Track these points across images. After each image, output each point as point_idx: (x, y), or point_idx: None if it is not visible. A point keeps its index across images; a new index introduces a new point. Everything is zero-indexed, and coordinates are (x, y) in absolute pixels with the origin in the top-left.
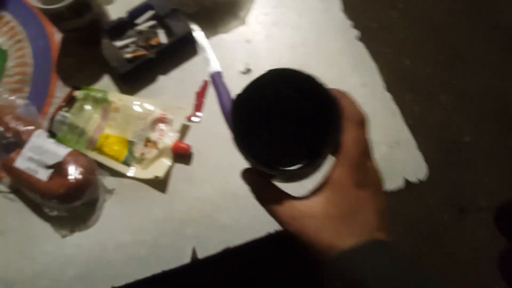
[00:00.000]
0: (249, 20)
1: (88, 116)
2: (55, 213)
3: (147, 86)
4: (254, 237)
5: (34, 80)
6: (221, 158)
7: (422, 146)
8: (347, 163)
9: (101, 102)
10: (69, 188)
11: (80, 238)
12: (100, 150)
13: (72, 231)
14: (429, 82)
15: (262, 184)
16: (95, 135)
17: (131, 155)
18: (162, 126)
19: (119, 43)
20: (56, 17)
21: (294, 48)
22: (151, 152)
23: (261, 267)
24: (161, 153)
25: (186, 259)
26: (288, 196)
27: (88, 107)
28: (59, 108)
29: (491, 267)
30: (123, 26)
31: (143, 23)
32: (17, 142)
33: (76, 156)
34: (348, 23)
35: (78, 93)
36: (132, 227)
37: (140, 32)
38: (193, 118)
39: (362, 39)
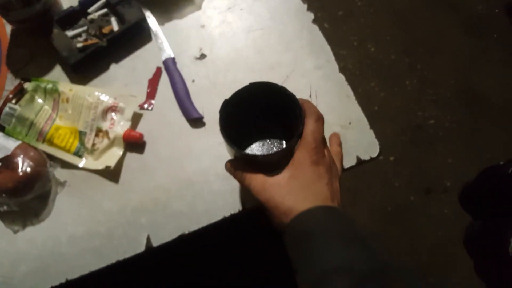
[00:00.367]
0: (204, 5)
1: (39, 107)
2: (4, 208)
3: (99, 75)
4: (210, 222)
5: None
6: (175, 145)
7: (388, 129)
8: (306, 147)
9: (52, 93)
10: (18, 182)
11: (32, 233)
12: (50, 142)
13: (24, 226)
14: (393, 67)
15: (241, 166)
16: (45, 126)
17: (83, 145)
18: (113, 115)
19: (70, 33)
20: (3, 7)
21: (250, 32)
22: (103, 142)
23: (217, 251)
24: (112, 143)
25: (141, 248)
26: (261, 173)
27: (38, 98)
28: (7, 100)
29: (457, 242)
30: (75, 15)
31: (95, 11)
32: None
33: (25, 149)
34: (304, 6)
35: (28, 85)
36: (86, 219)
37: (92, 21)
38: (145, 106)
39: (317, 21)
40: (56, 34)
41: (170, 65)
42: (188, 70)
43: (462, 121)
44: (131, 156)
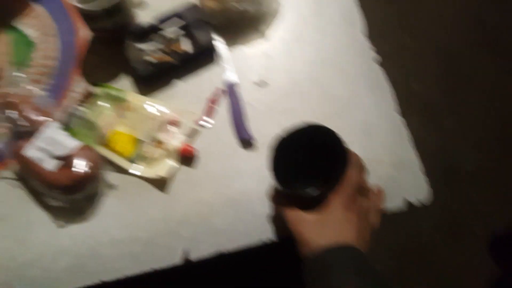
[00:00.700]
0: (270, 35)
1: (103, 112)
2: (55, 203)
3: (163, 89)
4: (248, 243)
5: (56, 74)
6: (225, 164)
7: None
8: (342, 192)
9: (117, 100)
10: (74, 181)
11: (76, 230)
12: (109, 146)
13: (69, 222)
14: (434, 107)
15: (281, 197)
16: (106, 131)
17: (139, 153)
18: (171, 128)
19: (142, 46)
20: (90, 17)
21: (312, 64)
22: (158, 152)
23: (252, 273)
24: (167, 154)
25: (177, 260)
26: (298, 207)
27: (104, 103)
28: (76, 102)
29: None
30: (149, 31)
31: (169, 28)
32: (30, 131)
33: (85, 150)
34: (367, 45)
35: (96, 90)
36: (129, 223)
37: (164, 38)
38: (202, 123)
39: (379, 61)
40: (129, 45)
41: (231, 89)
42: (246, 93)
43: (500, 167)
44: (182, 169)
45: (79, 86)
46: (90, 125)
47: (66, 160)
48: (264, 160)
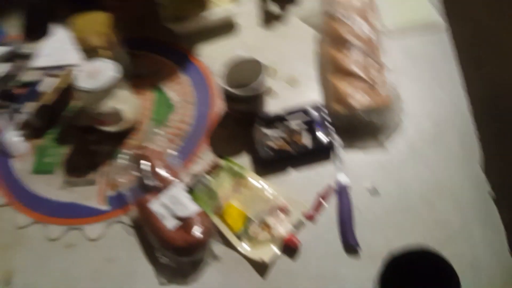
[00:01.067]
0: (388, 146)
1: (223, 184)
2: (164, 260)
3: (278, 174)
4: None
5: (187, 138)
6: (325, 263)
7: None
8: None
9: (237, 176)
10: (190, 244)
11: None
12: (222, 217)
13: (171, 281)
14: None
15: None
16: (222, 202)
17: (245, 231)
18: (280, 214)
19: (268, 132)
20: (231, 98)
21: (425, 184)
22: (264, 235)
23: None
24: (272, 239)
25: None
26: None
27: (225, 176)
28: (205, 170)
29: None
30: (276, 119)
31: (294, 121)
32: (157, 187)
33: (203, 217)
34: (483, 177)
35: (222, 162)
36: None
37: (288, 128)
38: (309, 217)
39: (494, 197)
40: (256, 128)
41: (342, 190)
42: (357, 198)
43: None
44: (283, 259)
45: (205, 154)
46: (211, 194)
47: (184, 222)
48: (365, 271)
